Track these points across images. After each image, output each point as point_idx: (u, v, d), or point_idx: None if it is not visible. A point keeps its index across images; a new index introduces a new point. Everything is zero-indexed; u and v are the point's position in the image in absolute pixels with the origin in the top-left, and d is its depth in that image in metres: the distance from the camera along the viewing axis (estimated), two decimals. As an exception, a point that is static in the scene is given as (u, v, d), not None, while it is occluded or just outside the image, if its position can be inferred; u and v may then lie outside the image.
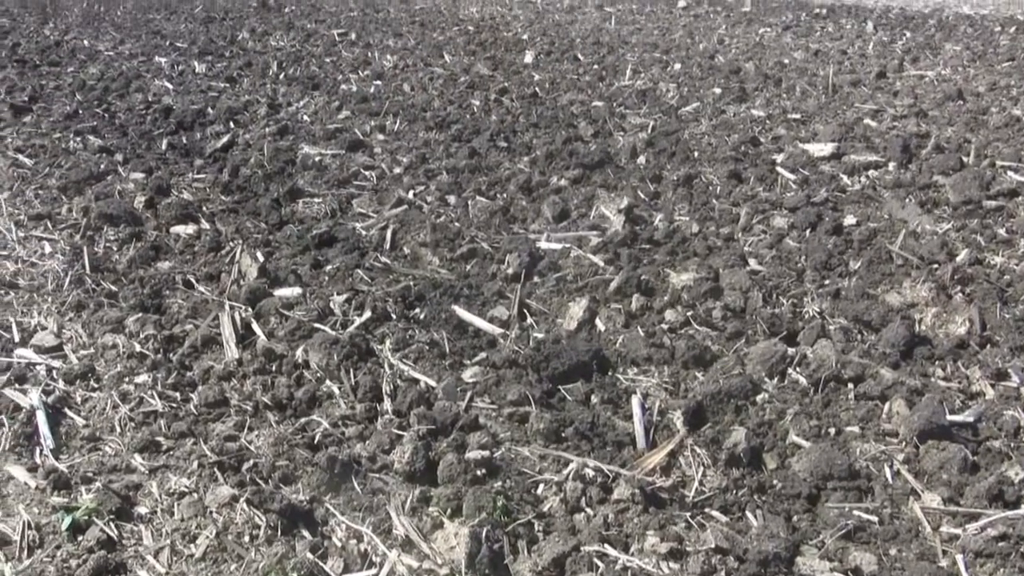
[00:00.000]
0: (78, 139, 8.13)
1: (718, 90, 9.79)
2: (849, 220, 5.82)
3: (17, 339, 4.43)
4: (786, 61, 11.80)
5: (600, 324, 4.47)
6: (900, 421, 3.66)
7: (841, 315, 4.59)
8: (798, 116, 8.60)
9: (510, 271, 4.97)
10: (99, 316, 4.59)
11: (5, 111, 9.39)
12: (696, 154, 7.32)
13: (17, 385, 4.01)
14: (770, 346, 4.15)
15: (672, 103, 9.20)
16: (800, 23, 16.33)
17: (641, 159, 7.19)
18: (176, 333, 4.41)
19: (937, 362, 4.21)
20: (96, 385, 4.03)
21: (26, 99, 9.99)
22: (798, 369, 4.09)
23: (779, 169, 6.87)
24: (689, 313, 4.55)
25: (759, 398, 3.88)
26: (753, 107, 9.04)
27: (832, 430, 3.68)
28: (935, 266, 5.09)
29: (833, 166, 6.99)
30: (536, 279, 4.96)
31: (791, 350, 4.18)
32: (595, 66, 11.51)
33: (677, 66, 11.39)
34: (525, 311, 4.63)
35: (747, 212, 5.92)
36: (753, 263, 5.21)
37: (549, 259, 5.14)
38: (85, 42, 15.29)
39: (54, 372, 4.14)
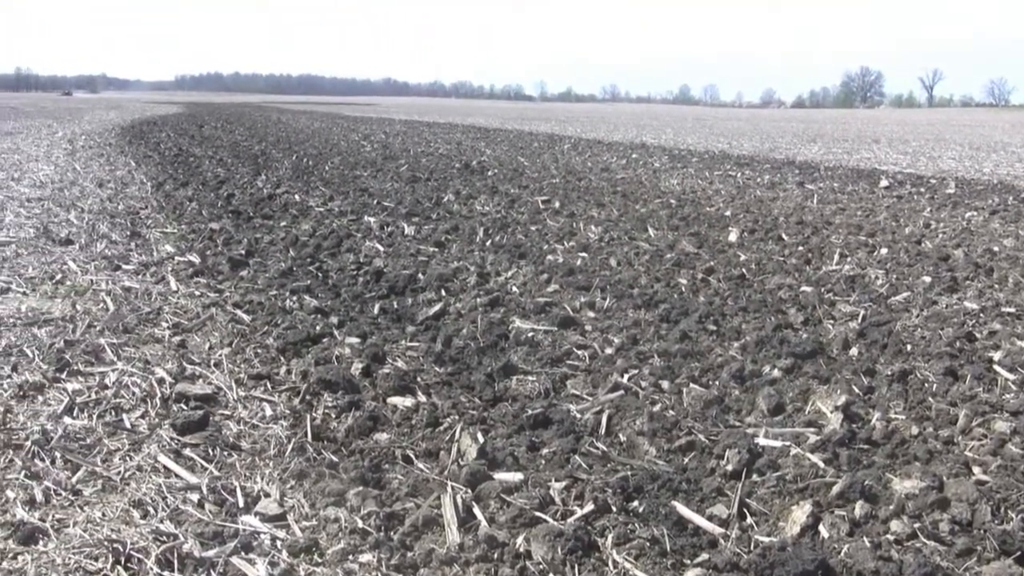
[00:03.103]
0: (294, 298, 8.35)
1: (927, 278, 9.64)
2: (1075, 429, 5.62)
3: (241, 504, 4.50)
4: (996, 248, 11.59)
5: (824, 531, 4.36)
6: None
7: (1075, 536, 4.41)
8: (1013, 310, 8.39)
9: (729, 467, 4.91)
10: (321, 487, 4.64)
11: (223, 264, 9.73)
12: (909, 348, 7.18)
13: (244, 554, 4.06)
14: (1004, 567, 3.99)
15: (881, 291, 9.08)
16: (1007, 207, 16.08)
17: (853, 351, 7.08)
18: (397, 511, 4.43)
19: None
20: (320, 560, 4.05)
21: (242, 253, 10.36)
22: (1034, 595, 3.93)
23: (997, 368, 6.68)
24: (916, 525, 4.41)
25: (994, 625, 3.74)
26: (965, 298, 8.86)
27: (1073, 666, 3.52)
28: None
29: (1054, 367, 6.79)
30: (756, 477, 4.88)
31: (1025, 573, 4.03)
32: (800, 247, 11.47)
33: (884, 251, 11.29)
34: (745, 510, 4.55)
35: (966, 414, 5.75)
36: (978, 471, 5.04)
37: (768, 456, 5.05)
38: (296, 197, 15.83)
39: (278, 543, 4.18)
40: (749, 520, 4.49)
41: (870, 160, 29.31)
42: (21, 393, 5.91)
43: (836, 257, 10.82)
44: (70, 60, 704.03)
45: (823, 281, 9.51)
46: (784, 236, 12.32)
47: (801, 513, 4.43)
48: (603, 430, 5.49)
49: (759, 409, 5.84)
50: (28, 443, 5.06)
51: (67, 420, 5.46)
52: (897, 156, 31.71)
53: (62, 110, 70.37)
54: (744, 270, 9.95)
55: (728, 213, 14.73)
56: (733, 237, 12.08)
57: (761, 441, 5.27)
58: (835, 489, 4.66)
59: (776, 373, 6.52)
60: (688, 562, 4.10)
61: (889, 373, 6.51)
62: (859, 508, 4.52)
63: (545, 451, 5.15)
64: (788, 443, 5.24)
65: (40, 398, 5.87)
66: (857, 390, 6.22)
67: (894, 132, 56.88)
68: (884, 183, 20.26)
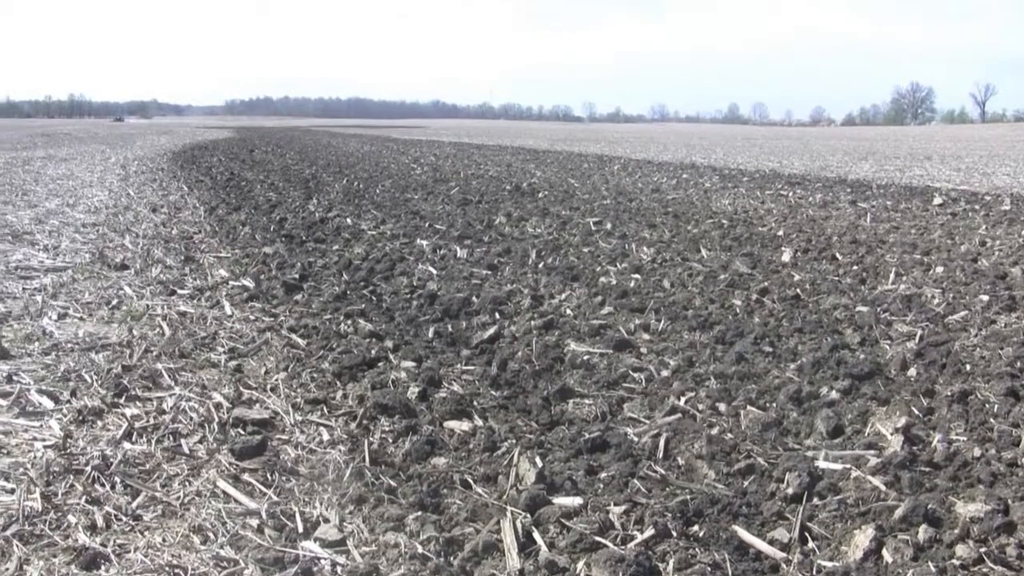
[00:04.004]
0: (348, 322, 8.36)
1: (985, 297, 9.51)
2: None
3: (301, 530, 4.51)
4: (1054, 266, 11.46)
5: (887, 555, 4.31)
6: None
7: None
8: (1073, 334, 8.29)
9: (789, 491, 4.86)
10: (379, 512, 4.64)
11: (278, 288, 9.79)
12: (968, 368, 7.09)
13: (304, 580, 4.08)
14: (1072, 592, 3.94)
15: (938, 310, 8.97)
16: (1065, 223, 15.90)
17: (911, 371, 7.00)
18: (456, 536, 4.42)
19: None
20: (380, 586, 4.06)
21: (296, 277, 10.41)
22: (1104, 620, 3.87)
23: (1059, 388, 6.60)
24: (982, 549, 4.35)
25: (1064, 651, 3.68)
26: (1024, 318, 8.76)
27: None
28: None
29: (1118, 387, 6.69)
30: (816, 501, 4.83)
31: (1094, 597, 3.97)
32: (854, 267, 11.38)
33: (939, 269, 11.17)
34: (807, 535, 4.51)
35: (1029, 435, 5.68)
36: (1043, 495, 4.98)
37: (828, 480, 5.00)
38: (348, 220, 15.89)
39: (339, 568, 4.18)
40: (811, 544, 4.44)
41: (923, 177, 29.09)
42: (80, 418, 5.97)
43: (891, 276, 10.72)
44: (122, 86, 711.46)
45: (879, 301, 9.42)
46: (838, 255, 12.24)
47: (864, 537, 4.38)
48: (661, 453, 5.45)
49: (818, 431, 5.79)
50: (88, 468, 5.10)
51: (126, 445, 5.50)
52: (950, 173, 31.46)
53: (114, 136, 71.18)
54: (799, 290, 9.87)
55: (781, 233, 14.65)
56: (787, 257, 12.01)
57: (821, 464, 5.22)
58: (898, 513, 4.61)
59: (834, 395, 6.46)
60: (750, 587, 4.07)
61: (949, 394, 6.43)
62: (923, 532, 4.46)
63: (603, 475, 5.12)
64: (848, 466, 5.18)
65: (99, 423, 5.93)
66: (917, 411, 6.15)
67: (946, 149, 56.44)
68: (938, 200, 20.09)
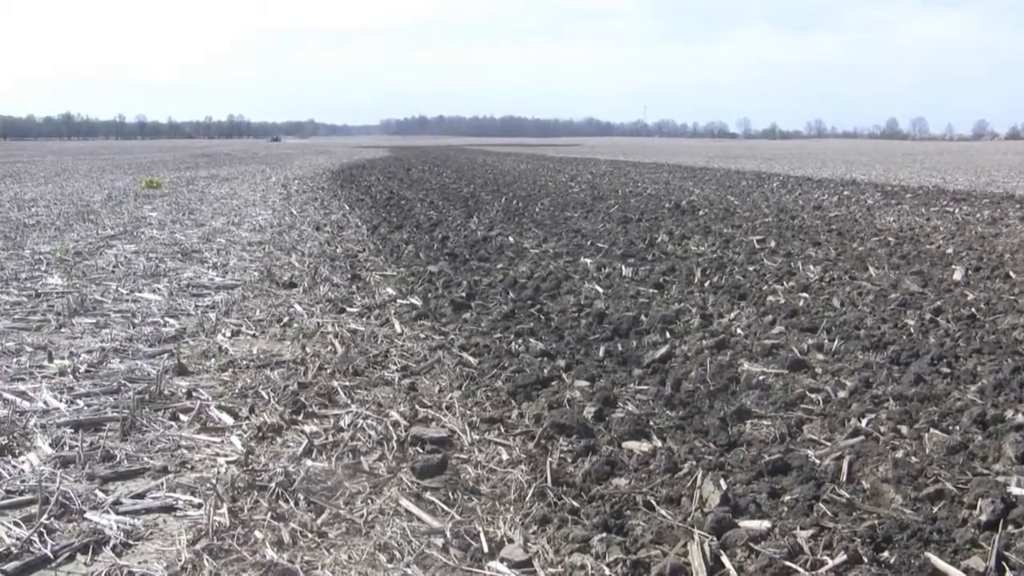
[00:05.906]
0: (519, 340, 8.38)
1: None
2: None
3: (486, 550, 4.52)
4: None
5: (1091, 587, 4.18)
6: None
7: None
8: None
9: (983, 518, 4.73)
10: (564, 533, 4.63)
11: (446, 307, 9.87)
12: None
13: (494, 601, 4.09)
14: None
15: None
16: None
17: (1101, 397, 6.78)
18: (642, 558, 4.38)
19: None
20: (570, 608, 4.05)
21: (463, 295, 10.47)
22: None
23: None
24: None
25: None
26: None
27: None
28: None
29: None
30: (1011, 528, 4.68)
31: None
32: (1031, 286, 11.07)
33: (1123, 288, 10.81)
34: (1004, 564, 4.38)
35: None
36: None
37: (1023, 507, 4.86)
38: (510, 238, 15.97)
39: (526, 589, 4.19)
40: (1009, 574, 4.31)
41: (1098, 192, 28.24)
42: (260, 434, 6.10)
43: (1071, 296, 10.41)
44: (280, 107, 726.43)
45: (1060, 321, 9.14)
46: (1012, 274, 11.90)
47: (1065, 568, 4.24)
48: (844, 477, 5.33)
49: (1006, 456, 5.60)
50: (272, 484, 5.20)
51: (307, 462, 5.59)
52: None
53: (273, 156, 72.86)
54: (974, 309, 9.61)
55: (950, 251, 14.35)
56: (958, 275, 11.73)
57: (1014, 490, 5.05)
58: (1099, 544, 4.46)
59: (1020, 418, 6.24)
60: (948, 617, 3.97)
61: None
62: None
63: (787, 498, 5.03)
64: (1042, 493, 5.02)
65: (279, 440, 6.06)
66: (1109, 439, 5.94)
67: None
68: (1116, 215, 19.49)
